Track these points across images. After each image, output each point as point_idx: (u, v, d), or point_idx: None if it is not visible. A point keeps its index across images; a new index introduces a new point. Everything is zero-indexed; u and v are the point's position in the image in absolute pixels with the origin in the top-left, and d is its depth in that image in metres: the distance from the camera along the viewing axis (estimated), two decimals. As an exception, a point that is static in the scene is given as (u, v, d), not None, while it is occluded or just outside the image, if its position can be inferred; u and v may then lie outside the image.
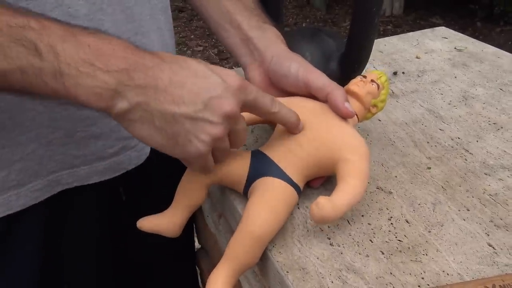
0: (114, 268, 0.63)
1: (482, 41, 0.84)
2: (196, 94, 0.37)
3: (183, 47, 3.19)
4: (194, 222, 0.86)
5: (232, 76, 0.39)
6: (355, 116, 0.49)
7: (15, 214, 0.49)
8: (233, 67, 2.93)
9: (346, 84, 0.53)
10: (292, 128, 0.45)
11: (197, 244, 0.87)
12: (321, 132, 0.46)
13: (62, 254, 0.56)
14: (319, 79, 0.48)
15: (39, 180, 0.50)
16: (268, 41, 0.52)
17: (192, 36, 3.34)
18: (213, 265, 0.82)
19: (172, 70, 0.37)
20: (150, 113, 0.36)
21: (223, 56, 3.06)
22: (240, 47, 0.54)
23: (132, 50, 0.36)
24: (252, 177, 0.44)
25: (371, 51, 0.54)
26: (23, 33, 0.34)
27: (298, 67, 0.49)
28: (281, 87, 0.51)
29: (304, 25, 3.41)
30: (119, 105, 0.36)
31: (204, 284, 0.88)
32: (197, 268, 0.87)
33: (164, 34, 0.56)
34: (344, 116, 0.47)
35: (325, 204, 0.40)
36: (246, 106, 0.40)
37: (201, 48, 3.18)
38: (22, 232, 0.51)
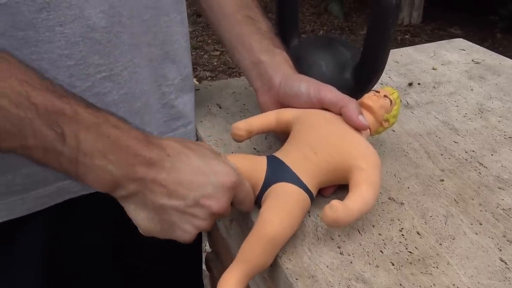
0: (121, 272, 0.63)
1: (502, 53, 0.83)
2: (189, 191, 0.40)
3: (200, 52, 3.22)
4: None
5: (226, 175, 0.42)
6: (368, 128, 0.50)
7: (20, 219, 0.50)
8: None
9: (360, 94, 0.54)
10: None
11: (208, 248, 0.87)
12: (335, 140, 0.46)
13: (65, 262, 0.57)
14: (332, 94, 0.49)
15: (46, 187, 0.51)
16: (276, 65, 0.54)
17: (209, 41, 3.37)
18: (223, 269, 0.83)
19: (172, 165, 0.40)
20: (143, 201, 0.40)
21: (239, 62, 3.07)
22: (251, 70, 0.56)
23: (144, 144, 0.40)
24: (268, 182, 0.45)
25: (386, 61, 0.54)
26: (57, 119, 0.37)
27: (308, 86, 0.50)
28: (293, 107, 0.52)
29: (321, 33, 3.42)
30: (118, 193, 0.40)
31: (213, 286, 0.89)
32: (206, 271, 0.88)
33: (181, 45, 0.57)
34: (358, 128, 0.47)
35: (339, 207, 0.40)
36: (234, 201, 0.43)
37: (217, 53, 3.20)
38: (26, 238, 0.52)
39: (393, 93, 0.51)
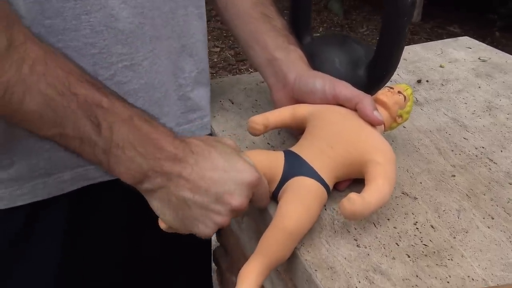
0: (133, 263, 0.64)
1: (500, 51, 0.84)
2: (211, 186, 0.41)
3: (200, 48, 3.21)
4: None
5: (247, 172, 0.42)
6: (382, 124, 0.51)
7: (41, 203, 0.52)
8: (249, 69, 2.95)
9: (373, 90, 0.55)
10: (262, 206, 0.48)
11: (215, 243, 0.88)
12: (351, 135, 0.47)
13: (83, 248, 0.58)
14: (347, 90, 0.50)
15: (67, 172, 0.52)
16: (291, 63, 0.55)
17: (209, 37, 3.36)
18: (232, 264, 0.84)
19: (196, 161, 0.42)
20: (168, 194, 0.41)
21: (239, 58, 3.07)
22: (265, 67, 0.57)
23: (171, 140, 0.42)
24: (286, 176, 0.46)
25: (399, 59, 0.55)
26: (95, 110, 0.39)
27: (323, 82, 0.51)
28: (308, 104, 0.53)
29: (321, 30, 3.42)
30: (145, 186, 0.41)
31: (221, 281, 0.90)
32: (213, 265, 0.88)
33: (198, 39, 0.57)
34: (373, 123, 0.48)
35: (356, 200, 0.41)
36: (252, 198, 0.44)
37: (218, 49, 3.20)
38: (46, 221, 0.53)
39: (406, 89, 0.52)
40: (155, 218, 0.47)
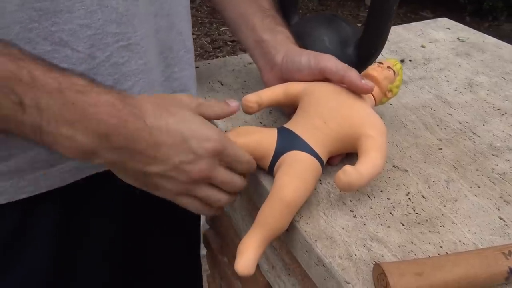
0: (123, 263, 0.63)
1: (477, 31, 0.87)
2: (169, 157, 0.40)
3: (175, 35, 3.17)
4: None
5: (208, 140, 0.41)
6: (373, 99, 0.52)
7: (37, 197, 0.49)
8: (226, 56, 2.93)
9: (362, 68, 0.56)
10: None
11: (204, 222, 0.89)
12: (343, 109, 0.48)
13: (76, 244, 0.56)
14: (331, 63, 0.51)
15: (69, 162, 0.50)
16: (278, 44, 0.55)
17: (185, 25, 3.32)
18: (223, 244, 0.84)
19: (151, 134, 0.39)
20: (124, 168, 0.40)
21: (216, 45, 3.06)
22: (254, 49, 0.57)
23: (116, 111, 0.38)
24: (279, 152, 0.47)
25: (387, 36, 0.57)
26: (12, 85, 0.34)
27: (308, 58, 0.52)
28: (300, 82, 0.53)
29: (296, 16, 3.43)
30: (94, 161, 0.39)
31: (211, 264, 0.91)
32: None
33: (183, 18, 0.56)
34: (363, 91, 0.49)
35: (352, 172, 0.42)
36: (224, 164, 0.43)
37: (194, 37, 3.17)
38: (41, 215, 0.51)
39: (396, 64, 0.53)
40: (147, 216, 0.45)
